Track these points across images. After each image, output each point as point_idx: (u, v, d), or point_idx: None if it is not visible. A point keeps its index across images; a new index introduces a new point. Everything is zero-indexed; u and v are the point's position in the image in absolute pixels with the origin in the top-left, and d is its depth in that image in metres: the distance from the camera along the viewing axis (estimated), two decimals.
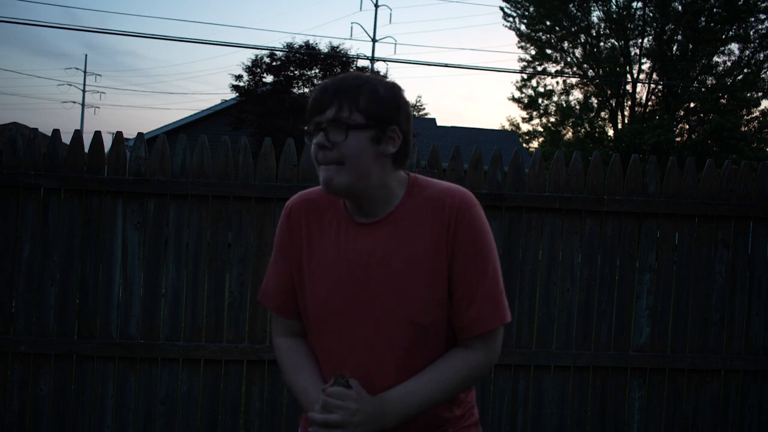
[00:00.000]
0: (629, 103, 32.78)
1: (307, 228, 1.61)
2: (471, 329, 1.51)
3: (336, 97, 1.47)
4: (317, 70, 21.13)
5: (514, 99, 35.66)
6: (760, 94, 31.55)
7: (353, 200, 1.54)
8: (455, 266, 1.50)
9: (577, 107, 34.17)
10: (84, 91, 47.18)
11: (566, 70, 33.89)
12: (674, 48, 31.79)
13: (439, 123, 28.57)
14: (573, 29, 32.67)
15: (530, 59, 34.50)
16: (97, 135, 3.66)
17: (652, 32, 31.61)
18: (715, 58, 32.24)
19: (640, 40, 32.02)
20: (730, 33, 31.12)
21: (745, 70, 31.87)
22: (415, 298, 1.49)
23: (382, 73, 22.14)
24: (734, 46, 31.73)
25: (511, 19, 33.79)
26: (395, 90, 1.53)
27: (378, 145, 1.49)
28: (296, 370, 1.61)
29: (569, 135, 34.77)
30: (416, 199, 1.54)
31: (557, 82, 34.57)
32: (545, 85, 34.93)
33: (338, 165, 1.47)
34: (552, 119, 35.17)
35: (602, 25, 32.56)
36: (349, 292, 1.53)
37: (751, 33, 31.10)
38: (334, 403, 1.43)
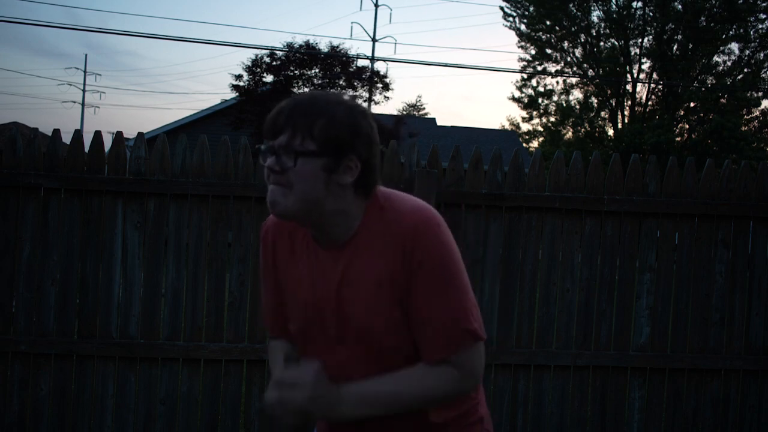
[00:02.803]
0: (629, 102, 32.77)
1: (280, 249, 1.61)
2: (429, 356, 1.47)
3: (290, 122, 1.42)
4: (317, 70, 21.12)
5: (514, 99, 35.65)
6: (760, 94, 31.55)
7: (303, 225, 1.51)
8: (414, 290, 1.44)
9: (577, 107, 34.16)
10: (84, 90, 47.20)
11: (566, 70, 33.89)
12: (674, 48, 31.78)
13: (439, 123, 28.57)
14: (573, 29, 32.66)
15: (530, 59, 34.50)
16: (97, 135, 3.67)
17: (652, 32, 31.60)
18: (715, 58, 32.23)
19: (640, 40, 32.02)
20: (730, 33, 31.11)
21: (745, 70, 31.85)
22: (380, 323, 1.47)
23: (381, 73, 22.14)
24: (734, 46, 31.73)
25: (511, 18, 33.79)
26: (356, 116, 1.44)
27: (331, 174, 1.42)
28: (273, 364, 1.67)
29: (569, 135, 34.75)
30: (376, 222, 1.48)
31: (557, 82, 34.56)
32: (545, 85, 34.92)
33: (285, 188, 1.42)
34: (552, 119, 35.16)
35: (602, 24, 32.55)
36: (317, 318, 1.54)
37: (751, 33, 31.09)
38: (292, 378, 1.43)
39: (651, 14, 31.39)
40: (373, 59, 26.90)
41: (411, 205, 1.48)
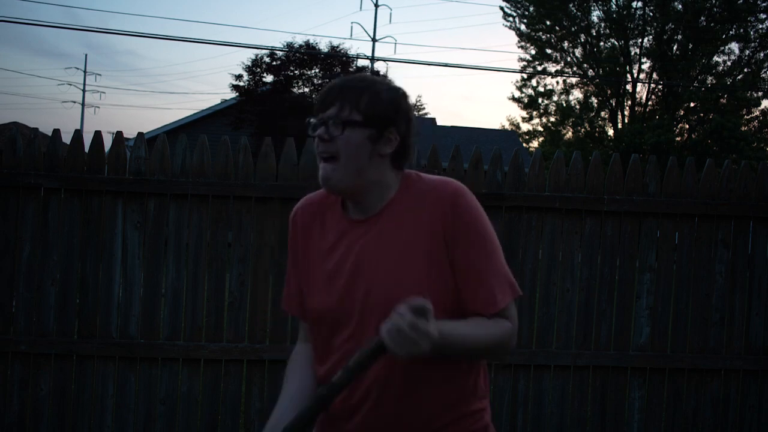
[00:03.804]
0: (629, 102, 32.75)
1: (308, 231, 1.70)
2: (486, 309, 1.56)
3: (339, 96, 1.57)
4: (317, 70, 21.12)
5: (514, 99, 35.60)
6: (760, 94, 31.54)
7: (350, 197, 1.62)
8: (458, 253, 1.55)
9: (577, 107, 34.14)
10: (84, 90, 47.18)
11: (566, 70, 33.87)
12: (674, 48, 31.76)
13: (439, 123, 28.54)
14: (573, 29, 32.64)
15: (530, 59, 34.46)
16: (97, 135, 3.67)
17: (652, 32, 31.58)
18: (715, 58, 32.21)
19: (640, 40, 32.00)
20: (730, 33, 31.10)
21: (745, 70, 31.84)
22: (414, 288, 1.50)
23: (382, 73, 22.12)
24: (734, 46, 31.71)
25: (511, 18, 33.76)
26: (397, 94, 1.61)
27: (375, 144, 1.57)
28: (285, 380, 1.71)
29: (569, 135, 34.73)
30: (409, 191, 1.61)
31: (557, 82, 34.52)
32: (545, 85, 34.88)
33: (334, 161, 1.56)
34: (552, 119, 35.13)
35: (602, 24, 32.52)
36: (348, 290, 1.57)
37: (751, 33, 31.07)
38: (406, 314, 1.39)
39: (651, 14, 31.38)
40: (373, 59, 26.90)
41: (441, 178, 1.63)
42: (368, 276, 1.56)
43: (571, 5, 31.97)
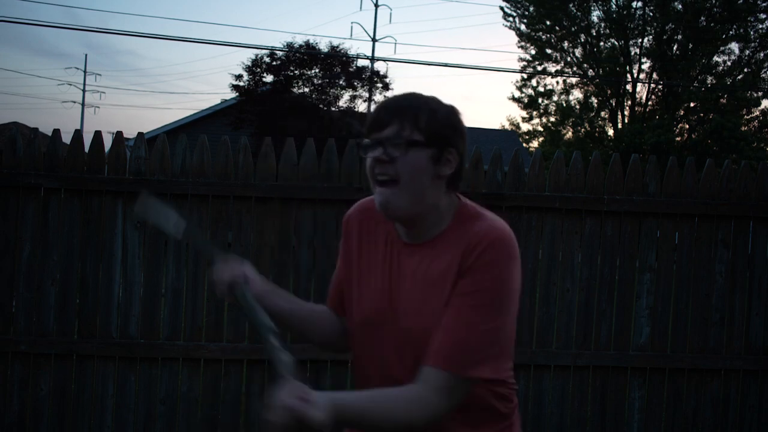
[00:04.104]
0: (629, 102, 32.75)
1: (358, 238, 1.66)
2: (427, 357, 1.45)
3: (397, 115, 1.49)
4: (317, 70, 21.11)
5: (514, 99, 35.60)
6: (760, 93, 31.54)
7: (406, 223, 1.55)
8: (453, 295, 1.47)
9: (577, 107, 34.13)
10: (84, 90, 47.18)
11: (566, 70, 33.87)
12: (674, 48, 31.77)
13: None
14: (573, 29, 32.64)
15: (530, 59, 34.46)
16: (98, 135, 3.67)
17: (652, 32, 31.58)
18: (715, 58, 32.20)
19: (640, 40, 31.99)
20: (730, 33, 31.10)
21: (745, 70, 31.84)
22: (427, 324, 1.49)
23: (381, 73, 22.11)
24: (734, 46, 31.71)
25: (511, 18, 33.76)
26: (454, 112, 1.55)
27: (436, 166, 1.49)
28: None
29: (569, 135, 34.72)
30: (463, 228, 1.52)
31: (557, 82, 34.51)
32: (545, 85, 34.87)
33: (393, 185, 1.47)
34: (552, 119, 35.12)
35: (602, 24, 32.52)
36: (383, 310, 1.56)
37: (751, 33, 31.07)
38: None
39: (651, 14, 31.38)
40: (373, 59, 26.88)
41: (489, 223, 1.51)
42: (402, 303, 1.54)
43: (571, 5, 31.96)
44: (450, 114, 1.53)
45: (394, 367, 1.55)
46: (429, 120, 1.49)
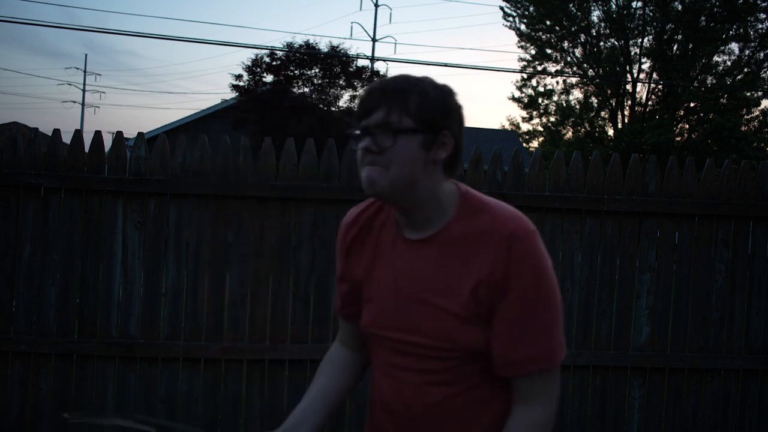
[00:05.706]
0: (629, 102, 32.74)
1: (357, 242, 1.58)
2: (521, 368, 1.43)
3: (384, 99, 1.40)
4: (317, 70, 21.11)
5: (514, 99, 35.56)
6: (760, 93, 31.53)
7: (398, 208, 1.47)
8: (505, 302, 1.39)
9: (577, 107, 34.12)
10: (84, 90, 47.17)
11: (566, 70, 33.86)
12: (674, 48, 31.76)
13: None
14: (573, 29, 32.62)
15: (530, 59, 34.45)
16: (98, 135, 3.67)
17: (652, 32, 31.57)
18: (715, 58, 32.18)
19: (640, 40, 31.98)
20: (730, 33, 31.10)
21: (745, 70, 31.83)
22: (450, 326, 1.42)
23: (382, 73, 22.10)
24: (734, 46, 31.70)
25: (511, 18, 33.74)
26: (446, 93, 1.44)
27: (429, 152, 1.41)
28: (314, 379, 1.69)
29: (569, 135, 34.71)
30: (468, 222, 1.44)
31: (557, 82, 34.49)
32: (545, 85, 34.85)
33: (382, 168, 1.39)
34: (552, 119, 35.11)
35: (602, 24, 32.51)
36: (392, 312, 1.49)
37: (751, 33, 31.07)
38: None
39: (651, 14, 31.37)
40: (373, 59, 26.89)
41: (502, 213, 1.43)
42: (414, 305, 1.46)
43: (571, 5, 31.96)
44: (443, 95, 1.43)
45: (405, 373, 1.50)
46: (419, 104, 1.39)
